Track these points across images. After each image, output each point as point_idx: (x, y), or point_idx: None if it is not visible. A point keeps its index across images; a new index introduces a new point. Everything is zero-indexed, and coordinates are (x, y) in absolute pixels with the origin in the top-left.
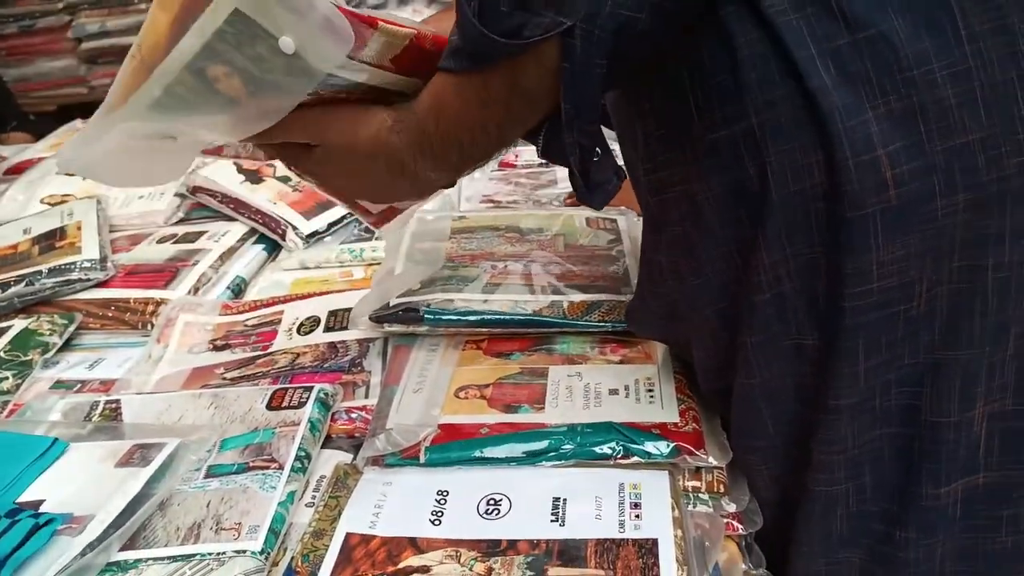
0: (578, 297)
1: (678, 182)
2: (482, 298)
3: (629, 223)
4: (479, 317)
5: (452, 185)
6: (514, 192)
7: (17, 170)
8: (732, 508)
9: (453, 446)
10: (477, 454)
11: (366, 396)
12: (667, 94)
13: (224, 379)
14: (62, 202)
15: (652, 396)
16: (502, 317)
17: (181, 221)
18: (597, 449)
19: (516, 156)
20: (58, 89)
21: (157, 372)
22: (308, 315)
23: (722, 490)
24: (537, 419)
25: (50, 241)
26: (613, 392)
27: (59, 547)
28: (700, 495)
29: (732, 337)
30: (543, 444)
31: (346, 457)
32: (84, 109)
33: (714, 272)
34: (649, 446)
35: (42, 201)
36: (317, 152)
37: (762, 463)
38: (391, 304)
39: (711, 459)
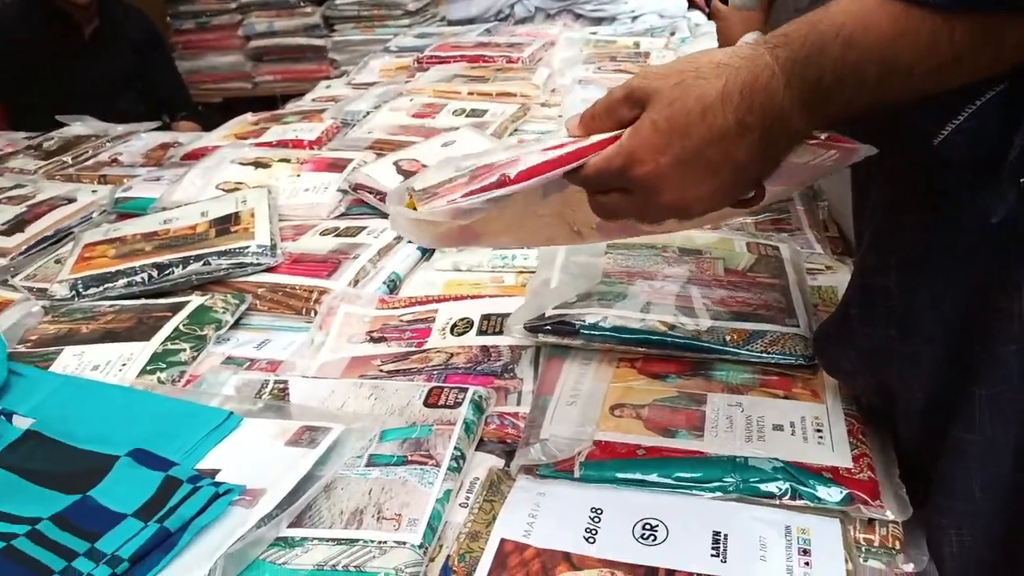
0: (739, 325)
1: (927, 199)
2: (639, 316)
3: (792, 252)
4: (635, 336)
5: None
6: None
7: (192, 156)
8: (909, 568)
9: (608, 464)
10: (633, 475)
11: (518, 403)
12: None
13: (381, 371)
14: (235, 189)
15: (821, 437)
16: (659, 338)
17: (342, 215)
18: (762, 486)
19: None
20: (225, 83)
21: (319, 358)
22: (461, 316)
23: (897, 546)
24: (695, 446)
25: (225, 225)
26: (777, 428)
27: (234, 518)
28: (872, 549)
29: (957, 384)
30: (702, 473)
31: (498, 462)
32: (246, 103)
33: (955, 307)
34: (820, 490)
35: (217, 187)
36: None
37: (956, 527)
38: (546, 315)
39: (888, 512)
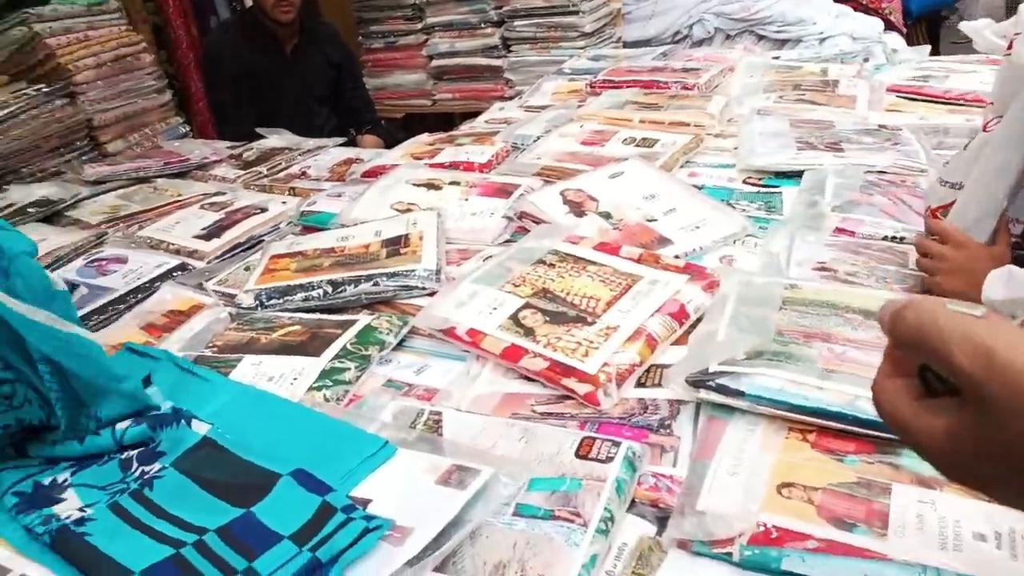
0: None
1: None
2: (815, 384)
3: None
4: (810, 405)
5: None
6: (854, 263)
7: (372, 174)
8: None
9: (773, 553)
10: (801, 570)
11: (674, 464)
12: None
13: (534, 411)
14: (408, 210)
15: None
16: (837, 411)
17: (506, 242)
18: None
19: (859, 223)
20: (407, 99)
21: (474, 389)
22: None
23: None
24: (877, 546)
25: (396, 246)
26: (979, 537)
27: (382, 554)
28: None
29: None
30: None
31: (649, 528)
32: (425, 119)
33: None
34: None
35: (392, 206)
36: None
37: None
38: (710, 370)
39: None
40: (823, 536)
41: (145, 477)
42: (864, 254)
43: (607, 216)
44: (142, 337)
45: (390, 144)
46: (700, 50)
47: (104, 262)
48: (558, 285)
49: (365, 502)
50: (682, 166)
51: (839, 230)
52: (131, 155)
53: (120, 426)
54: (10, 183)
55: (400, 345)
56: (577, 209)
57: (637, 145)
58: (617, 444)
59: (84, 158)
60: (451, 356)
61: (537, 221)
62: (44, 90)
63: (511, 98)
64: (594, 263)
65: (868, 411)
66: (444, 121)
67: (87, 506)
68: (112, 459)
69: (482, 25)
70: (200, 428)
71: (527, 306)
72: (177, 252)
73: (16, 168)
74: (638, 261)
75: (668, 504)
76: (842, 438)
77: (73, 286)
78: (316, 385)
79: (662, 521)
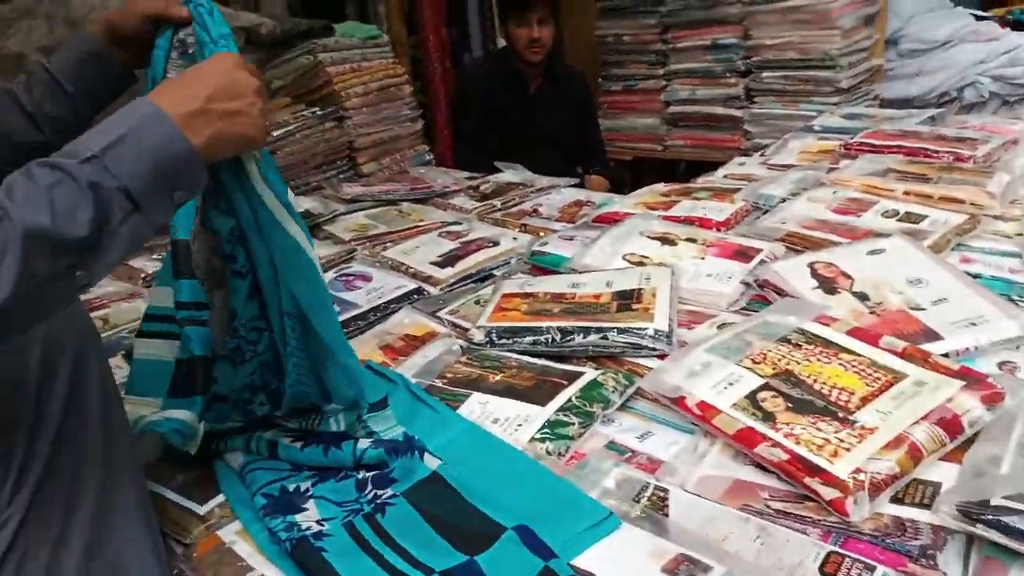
0: None
1: None
2: None
3: None
4: None
5: None
6: None
7: (603, 220)
8: None
9: None
10: None
11: None
12: None
13: (768, 507)
14: (640, 263)
15: None
16: None
17: (742, 310)
18: None
19: None
20: (637, 143)
21: (700, 468)
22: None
23: None
24: None
25: (627, 300)
26: None
27: None
28: None
29: None
30: None
31: None
32: (653, 164)
33: None
34: None
35: (624, 257)
36: None
37: None
38: (992, 503)
39: None
40: None
41: (378, 502)
42: None
43: (863, 297)
44: (380, 357)
45: (616, 185)
46: (975, 117)
47: (352, 278)
48: (804, 369)
49: (585, 575)
50: (953, 249)
51: None
52: (382, 177)
53: (361, 445)
54: None
55: (624, 406)
56: (828, 285)
57: (900, 220)
58: (872, 569)
59: (341, 176)
60: (677, 426)
61: (780, 292)
62: (318, 112)
63: (747, 151)
64: (848, 351)
65: None
66: (670, 167)
67: (324, 520)
68: (349, 477)
69: (726, 74)
70: (431, 462)
71: (767, 387)
72: (414, 276)
73: (286, 181)
74: (902, 356)
75: None
76: None
77: None
78: (539, 436)
79: None
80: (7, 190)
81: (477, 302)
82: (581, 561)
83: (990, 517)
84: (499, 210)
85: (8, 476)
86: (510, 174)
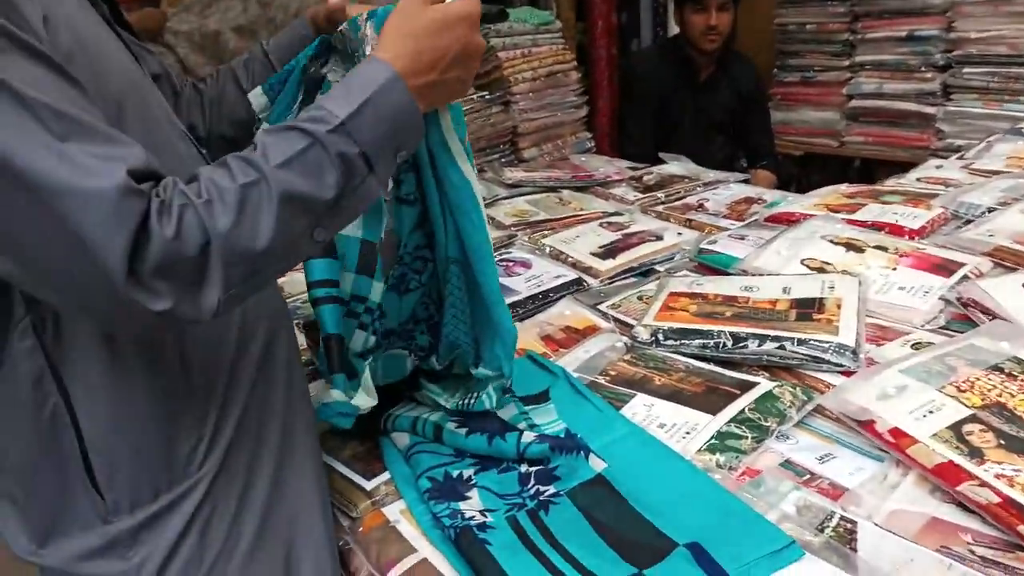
0: None
1: None
2: None
3: None
4: None
5: None
6: None
7: (778, 219)
8: None
9: None
10: None
11: None
12: None
13: (971, 552)
14: (821, 269)
15: None
16: None
17: (940, 328)
18: None
19: None
20: (811, 137)
21: (891, 500)
22: None
23: None
24: None
25: (808, 310)
26: None
27: None
28: None
29: None
30: None
31: None
32: (825, 159)
33: None
34: None
35: (803, 262)
36: None
37: None
38: None
39: None
40: None
41: (540, 499)
42: None
43: None
44: (540, 347)
45: (783, 182)
46: None
47: (512, 263)
48: (1020, 403)
49: None
50: None
51: None
52: (542, 163)
53: (525, 438)
54: None
55: (801, 423)
56: None
57: None
58: None
59: (503, 160)
60: (862, 451)
61: (988, 313)
62: (487, 96)
63: (938, 152)
64: None
65: None
66: (842, 165)
67: (487, 511)
68: (512, 470)
69: (922, 68)
70: (596, 464)
71: (974, 419)
72: (574, 266)
73: None
74: None
75: None
76: None
77: None
78: (710, 447)
79: None
80: (262, 150)
81: (640, 298)
82: None
83: None
84: (662, 203)
85: (204, 435)
86: (675, 166)
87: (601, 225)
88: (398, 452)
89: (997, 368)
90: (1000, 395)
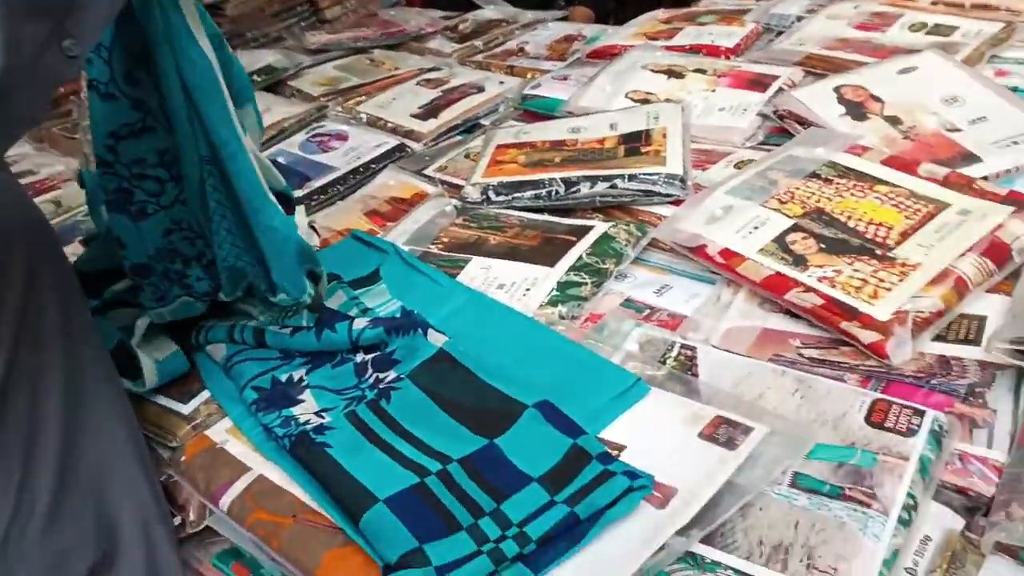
0: None
1: None
2: None
3: None
4: None
5: None
6: None
7: (599, 55)
8: None
9: None
10: None
11: (989, 445)
12: None
13: (801, 355)
14: (645, 100)
15: None
16: None
17: (760, 144)
18: None
19: None
20: None
21: (725, 320)
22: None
23: None
24: None
25: (636, 144)
26: None
27: (645, 518)
28: None
29: None
30: None
31: (955, 520)
32: None
33: None
34: None
35: (627, 95)
36: None
37: None
38: None
39: None
40: None
41: (381, 387)
42: None
43: (895, 122)
44: (366, 225)
45: (601, 15)
46: None
47: (326, 138)
48: (837, 206)
49: (619, 448)
50: (988, 62)
51: None
52: (348, 22)
53: (356, 325)
54: (236, 48)
55: (638, 259)
56: (856, 110)
57: (928, 33)
58: (920, 413)
59: (303, 24)
60: (697, 277)
61: (803, 123)
62: None
63: None
64: (884, 182)
65: None
66: None
67: (323, 411)
68: (347, 361)
69: None
70: (436, 339)
71: (797, 228)
72: (394, 131)
73: (241, 32)
74: (944, 184)
75: (980, 492)
76: None
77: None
78: (550, 300)
79: (970, 512)
80: None
81: (468, 156)
82: (610, 433)
83: None
84: (481, 52)
85: None
86: (490, 10)
87: (419, 83)
88: (216, 365)
89: (814, 175)
90: (818, 201)
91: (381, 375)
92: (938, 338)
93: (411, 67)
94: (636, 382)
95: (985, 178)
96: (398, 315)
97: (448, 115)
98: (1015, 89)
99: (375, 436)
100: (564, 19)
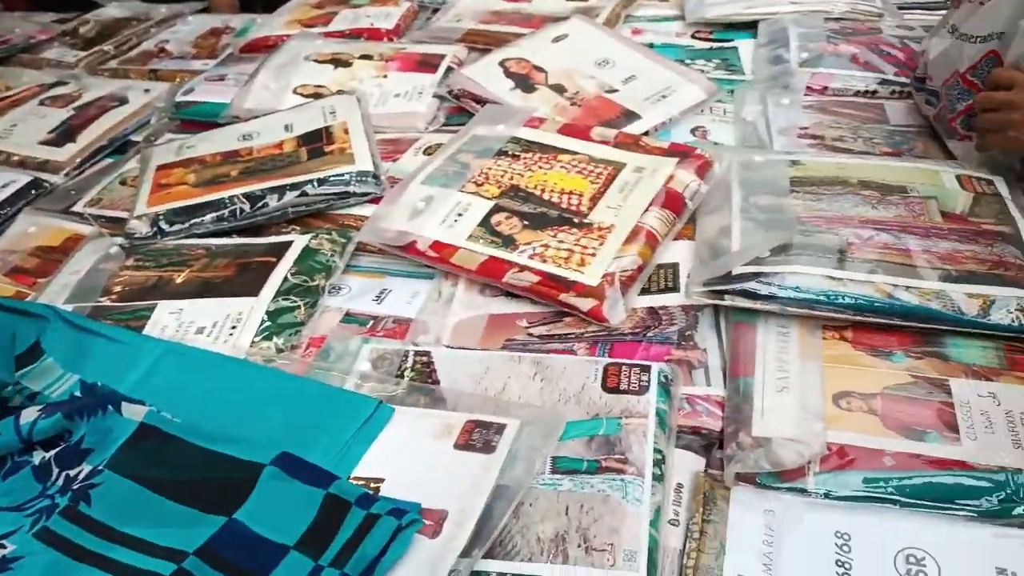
0: (976, 288)
1: None
2: (848, 276)
3: (1011, 190)
4: (851, 302)
5: None
6: (838, 125)
7: (254, 48)
8: None
9: (850, 476)
10: (885, 492)
11: (708, 383)
12: None
13: (531, 335)
14: (316, 94)
15: None
16: (882, 304)
17: (443, 127)
18: None
19: (829, 78)
20: None
21: (451, 314)
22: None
23: None
24: (953, 453)
25: (318, 144)
26: None
27: (422, 552)
28: None
29: None
30: (969, 490)
31: (698, 462)
32: None
33: None
34: None
35: (295, 91)
36: None
37: None
38: (734, 273)
39: None
40: (897, 449)
41: (74, 487)
42: (842, 114)
43: (560, 90)
44: (10, 289)
45: (246, 2)
46: None
47: None
48: (529, 181)
49: (376, 483)
50: (624, 22)
51: (809, 88)
52: None
53: (25, 417)
54: None
55: (348, 267)
56: (525, 83)
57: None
58: (646, 369)
59: None
60: (413, 274)
61: (478, 100)
62: None
63: None
64: (565, 151)
65: (910, 303)
66: None
67: (4, 537)
68: (21, 466)
69: None
70: (134, 412)
71: (499, 209)
72: (22, 164)
73: None
74: (615, 145)
75: (711, 429)
76: (879, 332)
77: None
78: (263, 333)
79: (706, 448)
80: None
81: (124, 182)
82: (364, 469)
83: (736, 287)
84: (114, 57)
85: None
86: (113, 7)
87: (42, 103)
88: None
89: (502, 152)
90: (512, 178)
91: (71, 472)
92: (644, 292)
93: (27, 84)
94: (379, 405)
95: (647, 133)
96: (77, 392)
97: (88, 136)
98: (651, 45)
99: (81, 551)
100: (205, 11)
